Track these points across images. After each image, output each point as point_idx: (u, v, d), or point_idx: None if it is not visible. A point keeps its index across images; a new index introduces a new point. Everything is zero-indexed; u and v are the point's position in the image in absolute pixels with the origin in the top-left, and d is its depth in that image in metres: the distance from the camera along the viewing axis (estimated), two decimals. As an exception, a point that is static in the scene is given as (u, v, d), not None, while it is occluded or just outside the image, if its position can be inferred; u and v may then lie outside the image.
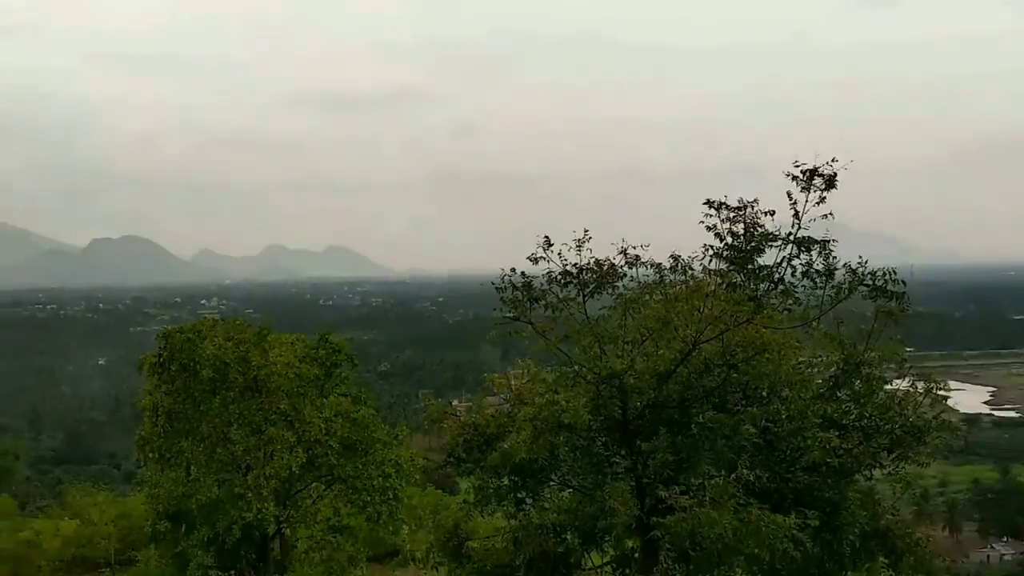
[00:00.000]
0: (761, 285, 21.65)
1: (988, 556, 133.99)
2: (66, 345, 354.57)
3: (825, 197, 20.47)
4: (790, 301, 21.42)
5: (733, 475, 17.03)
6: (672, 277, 20.48)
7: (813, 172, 20.40)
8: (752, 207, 21.44)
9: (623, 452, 19.37)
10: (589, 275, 19.39)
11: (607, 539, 19.64)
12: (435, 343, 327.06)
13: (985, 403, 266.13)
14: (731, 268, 21.54)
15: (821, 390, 19.93)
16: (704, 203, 21.72)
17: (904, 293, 19.97)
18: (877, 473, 19.92)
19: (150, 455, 26.89)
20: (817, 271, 20.97)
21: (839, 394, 20.32)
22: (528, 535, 19.14)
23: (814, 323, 20.77)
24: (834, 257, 20.88)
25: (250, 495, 24.76)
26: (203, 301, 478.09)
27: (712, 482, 16.88)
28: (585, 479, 19.86)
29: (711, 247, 21.66)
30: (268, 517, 25.41)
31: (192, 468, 25.91)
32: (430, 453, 44.81)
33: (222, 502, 25.28)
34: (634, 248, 19.71)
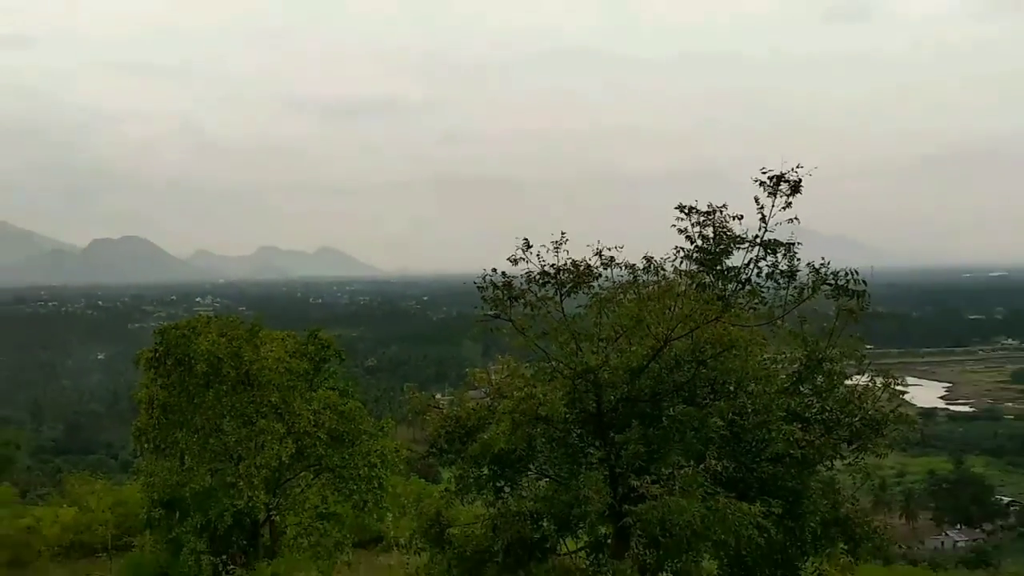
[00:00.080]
0: (729, 285, 21.70)
1: (942, 543, 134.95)
2: (67, 341, 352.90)
3: (791, 202, 20.54)
4: (756, 300, 21.46)
5: (701, 465, 17.10)
6: (645, 278, 20.49)
7: (779, 178, 20.46)
8: (721, 211, 21.51)
9: (597, 443, 19.37)
10: (566, 275, 19.44)
11: (581, 526, 19.62)
12: (420, 339, 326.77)
13: (941, 398, 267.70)
14: (701, 269, 21.58)
15: (785, 385, 19.99)
16: (676, 207, 21.78)
17: (864, 292, 20.02)
18: (838, 464, 19.97)
19: (146, 445, 26.71)
20: (781, 272, 21.04)
21: (802, 389, 20.39)
22: (506, 522, 19.13)
23: (779, 321, 20.84)
24: (797, 259, 20.96)
25: (241, 484, 24.65)
26: (198, 299, 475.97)
27: (681, 472, 16.91)
28: (561, 469, 19.87)
29: (682, 249, 21.71)
30: (259, 505, 25.29)
31: (186, 458, 25.76)
32: (414, 444, 44.86)
33: (215, 490, 25.15)
34: (609, 250, 19.77)
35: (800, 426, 18.52)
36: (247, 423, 25.31)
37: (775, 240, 21.07)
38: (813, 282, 20.27)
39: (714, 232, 21.57)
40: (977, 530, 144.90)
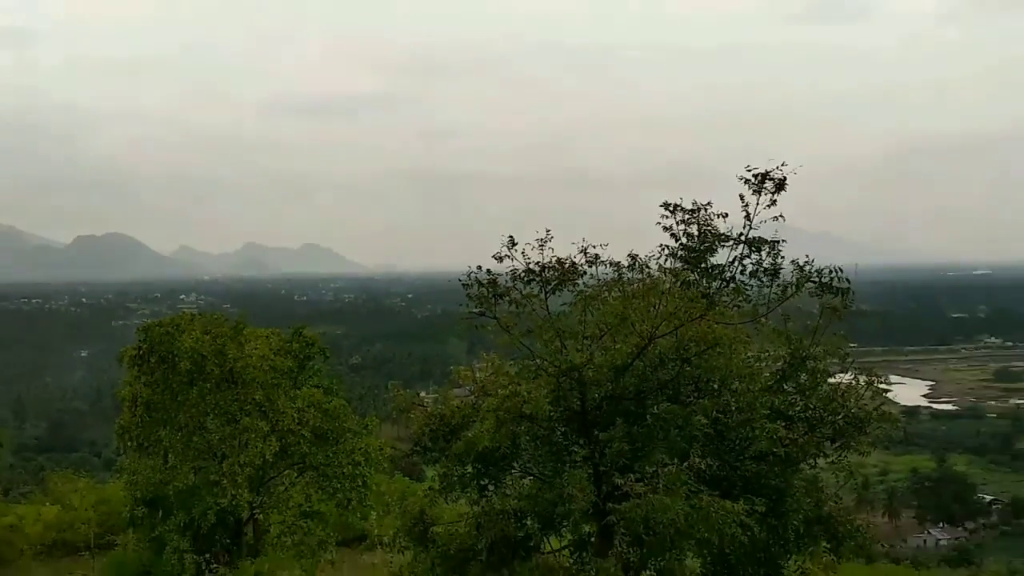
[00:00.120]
0: (713, 283, 21.73)
1: (925, 541, 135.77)
2: (50, 338, 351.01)
3: (776, 200, 20.58)
4: (741, 298, 21.50)
5: (685, 463, 17.10)
6: (630, 275, 20.49)
7: (764, 176, 20.50)
8: (705, 209, 21.53)
9: (581, 441, 19.37)
10: (551, 273, 19.41)
11: (565, 524, 19.58)
12: (404, 337, 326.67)
13: (924, 396, 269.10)
14: (685, 267, 21.60)
15: (769, 383, 20.02)
16: (661, 205, 21.80)
17: (848, 289, 20.07)
18: (821, 462, 20.02)
19: (129, 443, 26.55)
20: (765, 270, 21.07)
21: (786, 387, 20.42)
22: (490, 520, 19.08)
23: (763, 319, 20.87)
24: (782, 256, 21.00)
25: (225, 482, 24.54)
26: (182, 296, 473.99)
27: (665, 470, 16.92)
28: (545, 467, 19.85)
29: (667, 247, 21.74)
30: (242, 503, 25.18)
31: (169, 456, 25.62)
32: (398, 442, 44.71)
33: (198, 489, 25.03)
34: (594, 247, 19.75)
35: (784, 424, 18.55)
36: (231, 421, 25.20)
37: (760, 238, 21.11)
38: (797, 280, 20.31)
39: (699, 230, 21.59)
40: (959, 528, 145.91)
